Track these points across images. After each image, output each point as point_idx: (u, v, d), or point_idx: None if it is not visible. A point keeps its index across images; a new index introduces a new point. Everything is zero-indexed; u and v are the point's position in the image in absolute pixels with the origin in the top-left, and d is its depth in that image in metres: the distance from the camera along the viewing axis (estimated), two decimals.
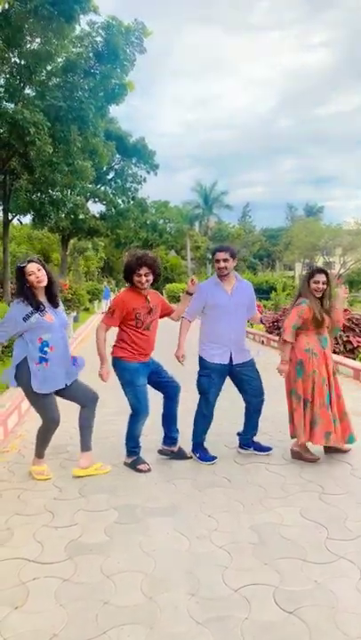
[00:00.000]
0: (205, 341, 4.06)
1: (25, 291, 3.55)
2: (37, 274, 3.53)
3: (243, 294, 4.10)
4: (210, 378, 4.01)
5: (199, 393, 4.10)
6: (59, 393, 3.75)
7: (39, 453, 3.85)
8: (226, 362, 4.00)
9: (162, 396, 4.10)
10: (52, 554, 2.72)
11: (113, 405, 5.22)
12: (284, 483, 3.62)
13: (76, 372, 3.83)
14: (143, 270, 3.81)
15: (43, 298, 3.63)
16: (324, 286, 3.98)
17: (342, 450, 4.13)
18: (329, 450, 4.15)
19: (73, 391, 3.80)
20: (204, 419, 4.10)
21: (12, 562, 2.65)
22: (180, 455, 4.14)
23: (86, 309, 23.14)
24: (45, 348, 3.57)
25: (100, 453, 4.10)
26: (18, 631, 2.11)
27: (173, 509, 3.23)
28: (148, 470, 3.87)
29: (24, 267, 3.54)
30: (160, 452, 4.21)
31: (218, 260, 3.98)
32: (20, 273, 3.55)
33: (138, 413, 3.91)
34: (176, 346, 4.08)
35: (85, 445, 3.89)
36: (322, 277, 3.98)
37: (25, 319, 3.50)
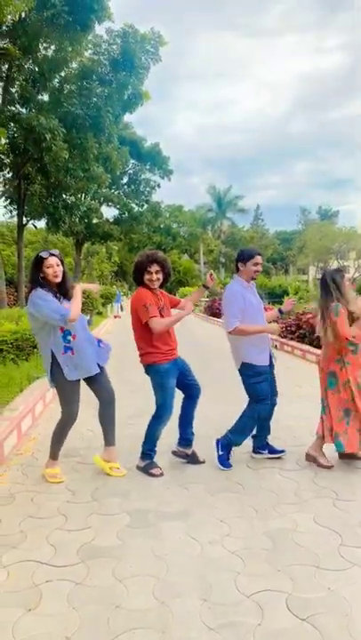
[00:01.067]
0: (248, 346, 3.93)
1: (40, 280, 3.62)
2: (55, 268, 3.61)
3: (256, 294, 4.16)
4: (267, 382, 3.99)
5: (258, 400, 3.98)
6: (89, 380, 3.81)
7: (53, 454, 3.87)
8: (268, 362, 4.02)
9: (179, 399, 4.10)
10: (64, 557, 2.73)
11: (128, 409, 5.24)
12: (297, 488, 3.59)
13: (106, 353, 3.89)
14: (154, 268, 3.83)
15: (55, 290, 3.70)
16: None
17: (357, 456, 4.09)
18: (343, 456, 4.11)
19: (102, 380, 3.87)
20: (257, 422, 4.07)
21: (26, 564, 2.66)
22: (194, 459, 4.13)
23: (99, 313, 23.25)
24: (68, 337, 3.63)
25: None
26: (31, 633, 2.12)
27: (186, 514, 3.23)
28: (161, 475, 3.87)
29: (45, 258, 3.60)
30: (174, 453, 4.20)
31: (257, 264, 3.99)
32: (39, 264, 3.61)
33: (162, 414, 3.92)
34: (269, 333, 3.98)
35: (108, 441, 3.95)
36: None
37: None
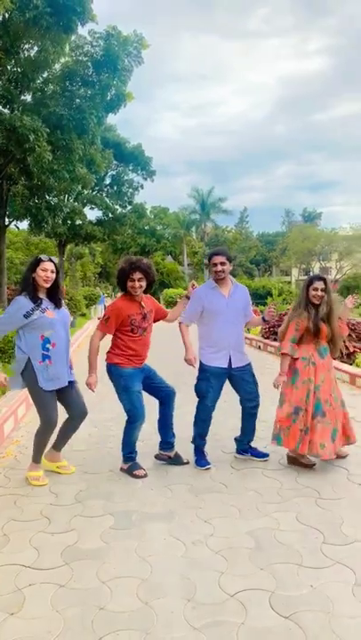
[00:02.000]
0: (204, 346, 4.06)
1: (29, 281, 3.64)
2: (48, 274, 3.65)
3: (239, 298, 4.11)
4: (208, 382, 4.01)
5: (197, 397, 4.09)
6: (59, 393, 3.79)
7: (36, 458, 3.85)
8: (225, 365, 4.01)
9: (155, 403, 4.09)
10: (48, 560, 2.71)
11: (110, 411, 5.23)
12: (280, 488, 3.62)
13: (71, 375, 3.87)
14: (137, 275, 3.81)
15: (43, 295, 3.71)
16: (323, 294, 3.93)
17: (339, 455, 4.14)
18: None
19: (72, 395, 3.85)
20: (202, 423, 4.10)
21: (9, 568, 2.64)
22: (177, 460, 4.14)
23: (83, 315, 23.13)
24: (47, 345, 3.62)
25: (98, 459, 4.11)
26: (14, 638, 2.11)
27: (170, 515, 3.23)
28: (145, 476, 3.87)
29: (43, 261, 3.66)
30: (157, 457, 4.20)
31: (215, 264, 4.00)
32: (35, 265, 3.65)
33: (134, 420, 3.90)
34: (184, 350, 4.07)
35: (58, 446, 4.01)
36: (320, 285, 3.93)
37: (26, 316, 3.56)
